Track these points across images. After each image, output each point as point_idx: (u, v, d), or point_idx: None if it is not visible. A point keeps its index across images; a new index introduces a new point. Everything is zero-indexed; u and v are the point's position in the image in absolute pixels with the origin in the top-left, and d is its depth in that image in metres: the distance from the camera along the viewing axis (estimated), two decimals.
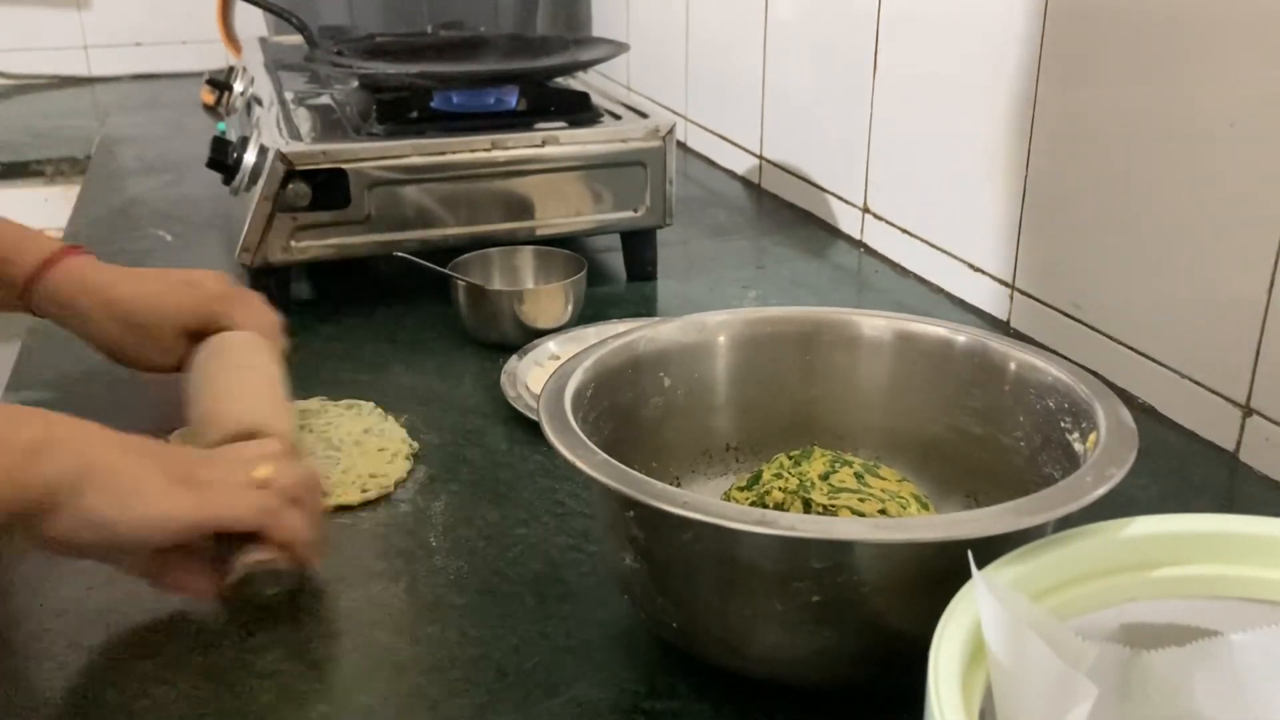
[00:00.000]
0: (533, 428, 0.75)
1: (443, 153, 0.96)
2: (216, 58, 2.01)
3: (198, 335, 0.76)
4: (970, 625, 0.41)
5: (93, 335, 0.76)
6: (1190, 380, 0.78)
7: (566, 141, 0.99)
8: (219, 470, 0.58)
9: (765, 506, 0.59)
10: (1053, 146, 0.88)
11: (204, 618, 0.60)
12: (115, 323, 0.75)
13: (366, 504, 0.70)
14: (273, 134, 0.95)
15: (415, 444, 0.76)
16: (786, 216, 1.27)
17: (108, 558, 0.57)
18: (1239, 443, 0.75)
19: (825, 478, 0.60)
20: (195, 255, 1.13)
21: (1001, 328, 0.95)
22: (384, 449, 0.75)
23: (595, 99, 1.08)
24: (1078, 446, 0.55)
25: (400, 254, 0.94)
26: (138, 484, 0.54)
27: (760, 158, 1.38)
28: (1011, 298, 0.95)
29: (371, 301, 1.01)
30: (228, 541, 0.57)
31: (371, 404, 0.81)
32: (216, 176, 0.99)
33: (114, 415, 0.58)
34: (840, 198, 1.21)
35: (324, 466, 0.72)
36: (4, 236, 0.76)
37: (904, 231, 1.10)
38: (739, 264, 1.12)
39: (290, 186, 0.92)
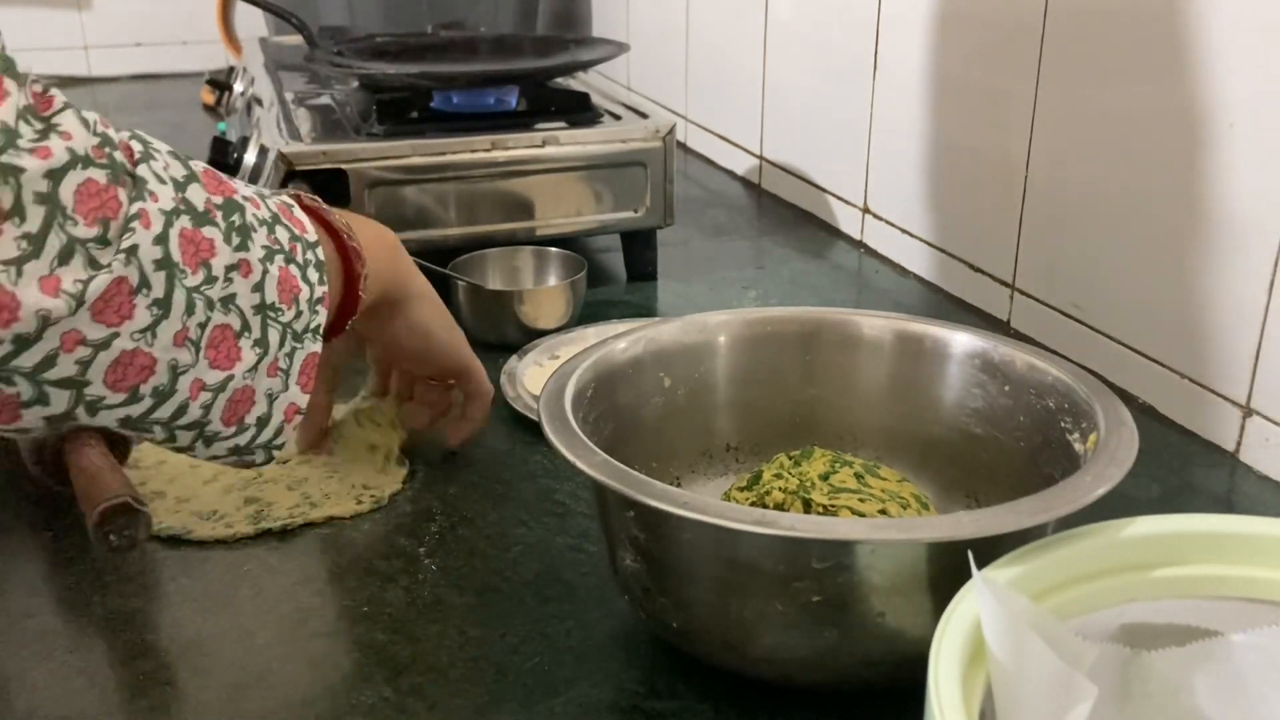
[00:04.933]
0: (533, 428, 0.75)
1: (443, 153, 0.96)
2: (216, 58, 2.01)
3: None
4: (970, 625, 0.41)
5: None
6: (1190, 380, 0.78)
7: (566, 142, 0.99)
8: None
9: (765, 506, 0.59)
10: (1053, 146, 0.88)
11: (203, 618, 0.60)
12: None
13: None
14: (273, 134, 0.95)
15: (403, 435, 0.75)
16: (786, 216, 1.27)
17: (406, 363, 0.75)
18: (1239, 443, 0.75)
19: (825, 478, 0.60)
20: None
21: (1001, 328, 0.95)
22: (375, 447, 0.74)
23: (595, 99, 1.08)
24: (1078, 446, 0.55)
25: None
26: (448, 316, 0.72)
27: (760, 158, 1.38)
28: (1011, 298, 0.95)
29: None
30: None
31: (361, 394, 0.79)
32: None
33: None
34: (840, 198, 1.21)
35: (319, 475, 0.72)
36: None
37: (904, 231, 1.10)
38: (739, 264, 1.12)
39: (290, 186, 0.92)
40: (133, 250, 0.48)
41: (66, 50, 1.99)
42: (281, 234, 0.56)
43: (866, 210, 1.16)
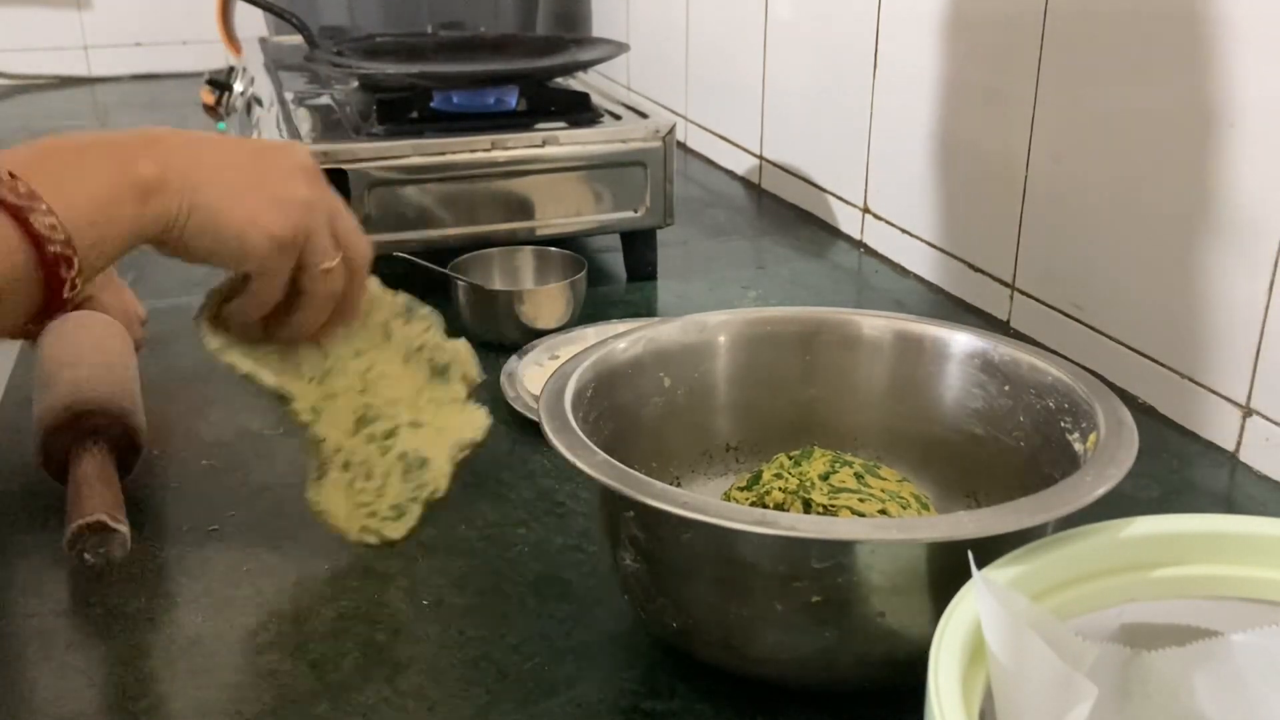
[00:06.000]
0: (533, 428, 0.75)
1: (443, 153, 0.96)
2: (216, 58, 2.01)
3: None
4: (970, 625, 0.41)
5: None
6: (1190, 380, 0.78)
7: (566, 141, 0.99)
8: (310, 196, 0.60)
9: (765, 506, 0.59)
10: (1053, 146, 0.88)
11: (203, 618, 0.60)
12: None
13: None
14: (273, 134, 0.95)
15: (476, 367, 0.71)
16: (786, 216, 1.27)
17: None
18: (1239, 443, 0.75)
19: (825, 478, 0.60)
20: None
21: (1001, 328, 0.95)
22: (453, 398, 0.69)
23: (595, 99, 1.08)
24: (1078, 446, 0.55)
25: (400, 254, 0.94)
26: (232, 222, 0.57)
27: (760, 158, 1.38)
28: (1011, 298, 0.95)
29: None
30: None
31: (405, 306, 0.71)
32: None
33: None
34: (840, 198, 1.21)
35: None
36: None
37: (904, 231, 1.10)
38: (739, 264, 1.12)
39: None
40: None
41: (66, 50, 1.99)
42: None
43: (866, 210, 1.16)
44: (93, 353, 0.75)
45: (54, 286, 0.50)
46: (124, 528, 0.62)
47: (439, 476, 0.67)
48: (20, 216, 0.49)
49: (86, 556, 0.61)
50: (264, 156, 0.60)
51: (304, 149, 0.63)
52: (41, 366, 0.74)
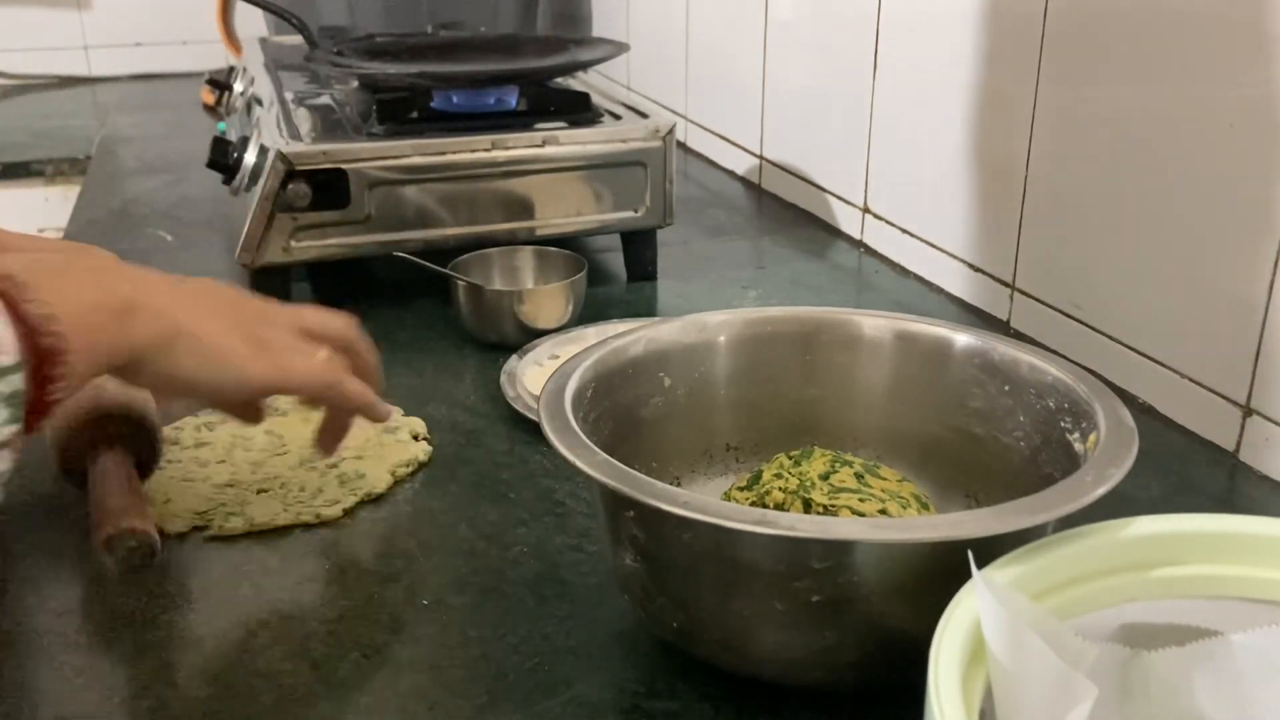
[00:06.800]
0: (533, 428, 0.75)
1: (443, 153, 0.96)
2: (216, 58, 2.01)
3: None
4: (970, 625, 0.41)
5: None
6: (1190, 380, 0.78)
7: (566, 141, 0.99)
8: (287, 340, 0.62)
9: (765, 506, 0.59)
10: (1053, 146, 0.88)
11: (204, 618, 0.60)
12: None
13: (365, 503, 0.70)
14: (273, 134, 0.95)
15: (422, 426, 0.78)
16: (786, 216, 1.27)
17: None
18: (1239, 443, 0.75)
19: (825, 478, 0.60)
20: (195, 255, 1.13)
21: (1001, 328, 0.95)
22: (398, 441, 0.76)
23: (595, 99, 1.08)
24: (1078, 446, 0.55)
25: (400, 254, 0.94)
26: (220, 349, 0.58)
27: (760, 158, 1.38)
28: (1011, 298, 0.95)
29: (371, 301, 1.00)
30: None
31: None
32: (216, 176, 0.99)
33: None
34: (840, 198, 1.21)
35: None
36: None
37: (904, 231, 1.10)
38: (739, 264, 1.12)
39: (290, 186, 0.92)
40: None
41: (66, 50, 1.99)
42: None
43: (866, 210, 1.16)
44: None
45: (40, 383, 0.48)
46: (154, 535, 0.61)
47: (376, 482, 0.72)
48: (14, 305, 0.47)
49: (115, 560, 0.60)
50: (234, 301, 0.62)
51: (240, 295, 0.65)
52: None
